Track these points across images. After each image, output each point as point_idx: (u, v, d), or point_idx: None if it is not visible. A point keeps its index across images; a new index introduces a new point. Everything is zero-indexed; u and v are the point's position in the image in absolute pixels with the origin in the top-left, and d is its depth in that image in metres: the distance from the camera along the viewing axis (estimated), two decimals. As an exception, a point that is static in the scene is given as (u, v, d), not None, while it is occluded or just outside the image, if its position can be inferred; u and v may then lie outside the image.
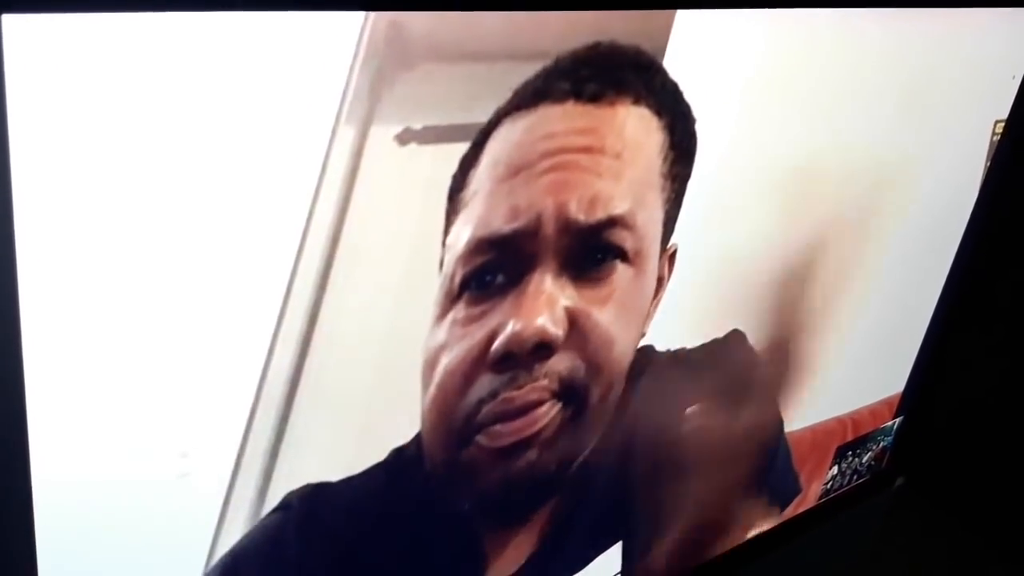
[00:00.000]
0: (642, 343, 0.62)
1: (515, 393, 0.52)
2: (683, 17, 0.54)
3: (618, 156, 0.50)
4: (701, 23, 0.56)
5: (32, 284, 0.38)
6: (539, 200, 0.48)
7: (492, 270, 0.49)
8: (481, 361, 0.51)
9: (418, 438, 0.54)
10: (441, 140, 0.48)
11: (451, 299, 0.49)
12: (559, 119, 0.47)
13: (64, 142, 0.37)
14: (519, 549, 0.62)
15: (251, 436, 0.48)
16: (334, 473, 0.53)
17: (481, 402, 0.52)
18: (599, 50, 0.46)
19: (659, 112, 0.51)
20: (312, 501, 0.50)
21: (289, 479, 0.51)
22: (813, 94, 0.67)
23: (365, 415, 0.53)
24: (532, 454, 0.56)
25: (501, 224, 0.48)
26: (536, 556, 0.63)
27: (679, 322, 0.66)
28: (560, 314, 0.52)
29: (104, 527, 0.46)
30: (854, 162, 0.74)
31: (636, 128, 0.50)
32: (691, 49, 0.56)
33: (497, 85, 0.48)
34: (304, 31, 0.41)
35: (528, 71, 0.48)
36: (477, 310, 0.50)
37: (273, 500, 0.51)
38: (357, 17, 0.43)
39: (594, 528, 0.69)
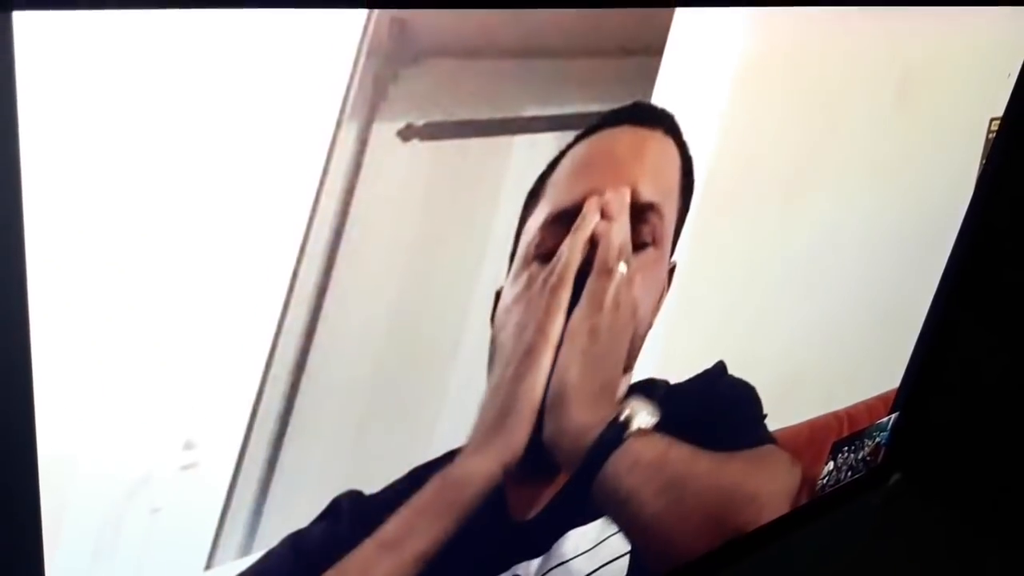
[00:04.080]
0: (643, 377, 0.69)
1: None
2: (682, 15, 0.55)
3: (656, 164, 0.63)
4: (699, 22, 0.57)
5: (40, 276, 0.39)
6: (604, 182, 0.61)
7: (564, 237, 0.61)
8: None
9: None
10: (442, 136, 0.49)
11: (528, 262, 0.61)
12: (618, 135, 0.61)
13: (74, 138, 0.37)
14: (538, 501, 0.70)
15: (255, 427, 0.49)
16: (335, 461, 0.54)
17: None
18: (640, 104, 0.60)
19: (679, 147, 0.64)
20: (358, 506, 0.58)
21: (293, 468, 0.51)
22: (810, 92, 0.67)
23: (368, 404, 0.54)
24: None
25: (575, 198, 0.60)
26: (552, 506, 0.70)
27: (674, 311, 0.67)
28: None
29: (109, 519, 0.46)
30: (851, 159, 0.74)
31: (667, 151, 0.64)
32: (689, 46, 0.56)
33: (497, 81, 0.49)
34: (309, 29, 0.42)
35: (528, 67, 0.50)
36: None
37: (276, 491, 0.51)
38: (360, 15, 0.43)
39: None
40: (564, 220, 0.60)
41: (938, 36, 0.75)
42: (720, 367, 0.77)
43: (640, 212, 0.63)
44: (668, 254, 0.67)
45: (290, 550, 0.56)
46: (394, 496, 0.59)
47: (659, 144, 0.63)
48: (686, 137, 0.63)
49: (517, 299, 0.61)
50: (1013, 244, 1.07)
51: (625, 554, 0.77)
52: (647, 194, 0.63)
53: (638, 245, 0.64)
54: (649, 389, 0.71)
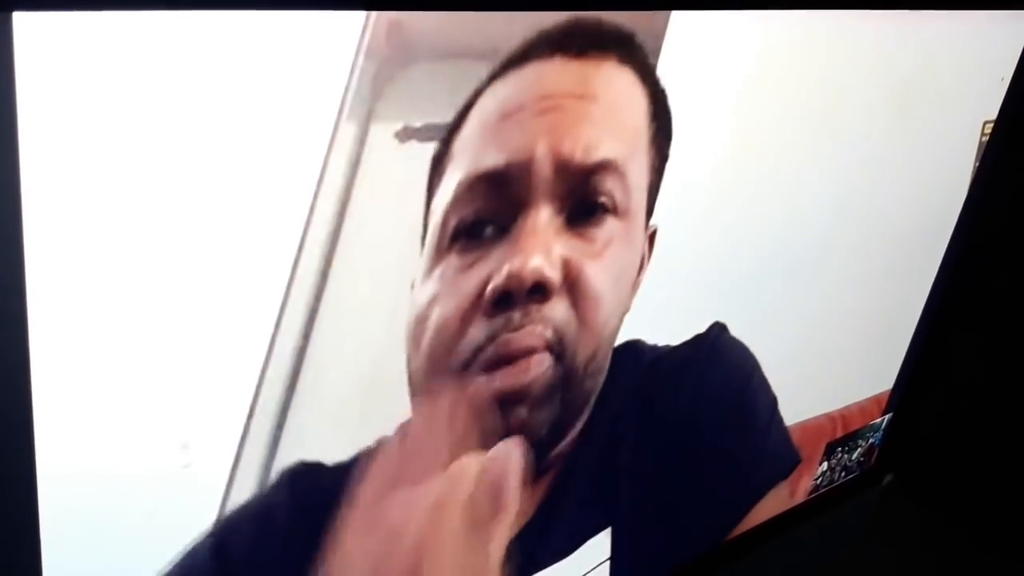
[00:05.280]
0: (628, 339, 0.62)
1: (511, 336, 0.52)
2: (678, 18, 0.55)
3: (609, 106, 0.49)
4: (695, 24, 0.57)
5: (37, 278, 0.39)
6: (532, 138, 0.47)
7: (484, 215, 0.48)
8: (477, 305, 0.50)
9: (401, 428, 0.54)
10: (439, 137, 0.49)
11: (441, 252, 0.48)
12: (549, 71, 0.46)
13: (72, 139, 0.37)
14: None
15: (252, 426, 0.49)
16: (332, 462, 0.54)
17: (478, 349, 0.51)
18: (580, 21, 0.47)
19: (642, 79, 0.51)
20: (303, 480, 0.51)
21: (290, 469, 0.52)
22: (804, 95, 0.67)
23: (365, 404, 0.54)
24: (523, 410, 0.55)
25: (493, 161, 0.47)
26: (520, 541, 0.63)
27: (664, 319, 0.67)
28: (556, 259, 0.51)
29: (106, 519, 0.46)
30: (844, 162, 0.75)
31: (622, 86, 0.50)
32: (685, 50, 0.57)
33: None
34: (307, 30, 0.42)
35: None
36: (470, 258, 0.49)
37: (273, 491, 0.51)
38: (359, 16, 0.43)
39: (583, 514, 0.69)
40: (479, 189, 0.47)
41: (932, 39, 0.75)
42: (718, 326, 0.68)
43: (589, 175, 0.50)
44: (642, 222, 0.55)
45: (216, 538, 0.48)
46: (351, 466, 0.51)
47: (612, 79, 0.49)
48: (653, 63, 0.49)
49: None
50: (1007, 247, 1.08)
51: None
52: (599, 150, 0.50)
53: (591, 217, 0.51)
54: (634, 353, 0.61)
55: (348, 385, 0.52)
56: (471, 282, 0.50)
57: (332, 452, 0.53)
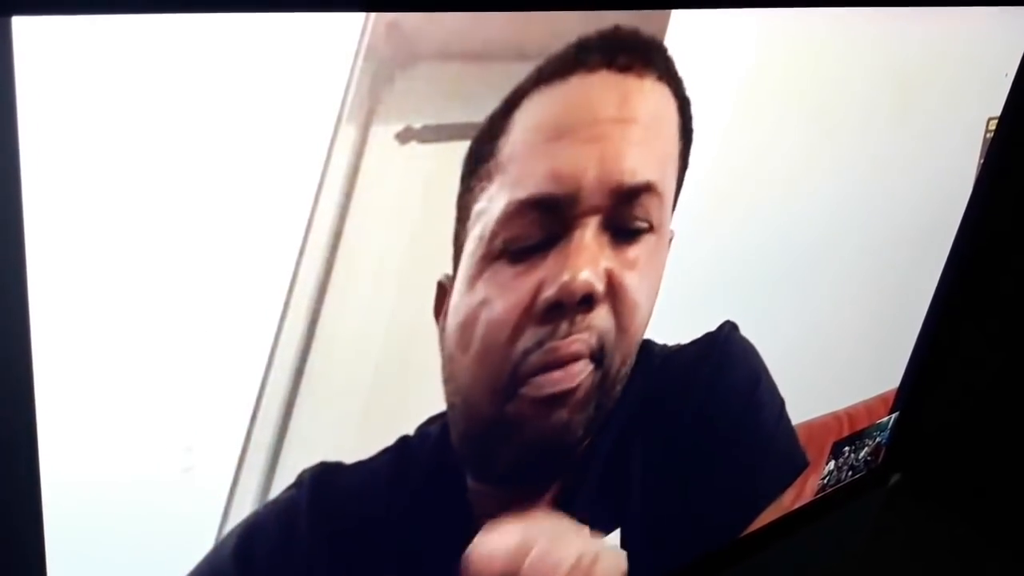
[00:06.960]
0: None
1: (560, 343, 0.55)
2: (679, 17, 0.55)
3: (649, 128, 0.53)
4: (697, 23, 0.57)
5: (40, 281, 0.39)
6: (583, 164, 0.51)
7: (535, 230, 0.52)
8: (528, 312, 0.53)
9: (422, 429, 0.56)
10: (440, 138, 0.49)
11: (490, 259, 0.51)
12: (595, 87, 0.49)
13: (71, 143, 0.38)
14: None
15: (255, 430, 0.49)
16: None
17: (527, 352, 0.55)
18: (620, 31, 0.49)
19: (675, 94, 0.54)
20: (323, 480, 0.53)
21: (292, 472, 0.52)
22: (807, 93, 0.67)
23: (368, 408, 0.54)
24: (564, 412, 0.58)
25: (546, 186, 0.50)
26: None
27: (669, 320, 0.67)
28: (601, 271, 0.55)
29: (110, 522, 0.46)
30: (849, 160, 0.75)
31: (660, 103, 0.53)
32: (687, 49, 0.57)
33: (496, 84, 0.49)
34: (306, 32, 0.42)
35: (525, 70, 0.49)
36: (520, 267, 0.52)
37: (276, 492, 0.51)
38: (358, 18, 0.43)
39: (596, 512, 0.69)
40: (529, 212, 0.50)
41: (935, 36, 0.75)
42: (729, 324, 0.71)
43: (633, 196, 0.53)
44: (668, 231, 0.59)
45: (240, 538, 0.50)
46: (374, 466, 0.54)
47: (652, 97, 0.51)
48: (682, 76, 0.52)
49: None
50: (1012, 243, 1.08)
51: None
52: (642, 173, 0.53)
53: (632, 234, 0.55)
54: (645, 353, 0.63)
55: (351, 387, 0.52)
56: (521, 291, 0.53)
57: (335, 454, 0.53)
